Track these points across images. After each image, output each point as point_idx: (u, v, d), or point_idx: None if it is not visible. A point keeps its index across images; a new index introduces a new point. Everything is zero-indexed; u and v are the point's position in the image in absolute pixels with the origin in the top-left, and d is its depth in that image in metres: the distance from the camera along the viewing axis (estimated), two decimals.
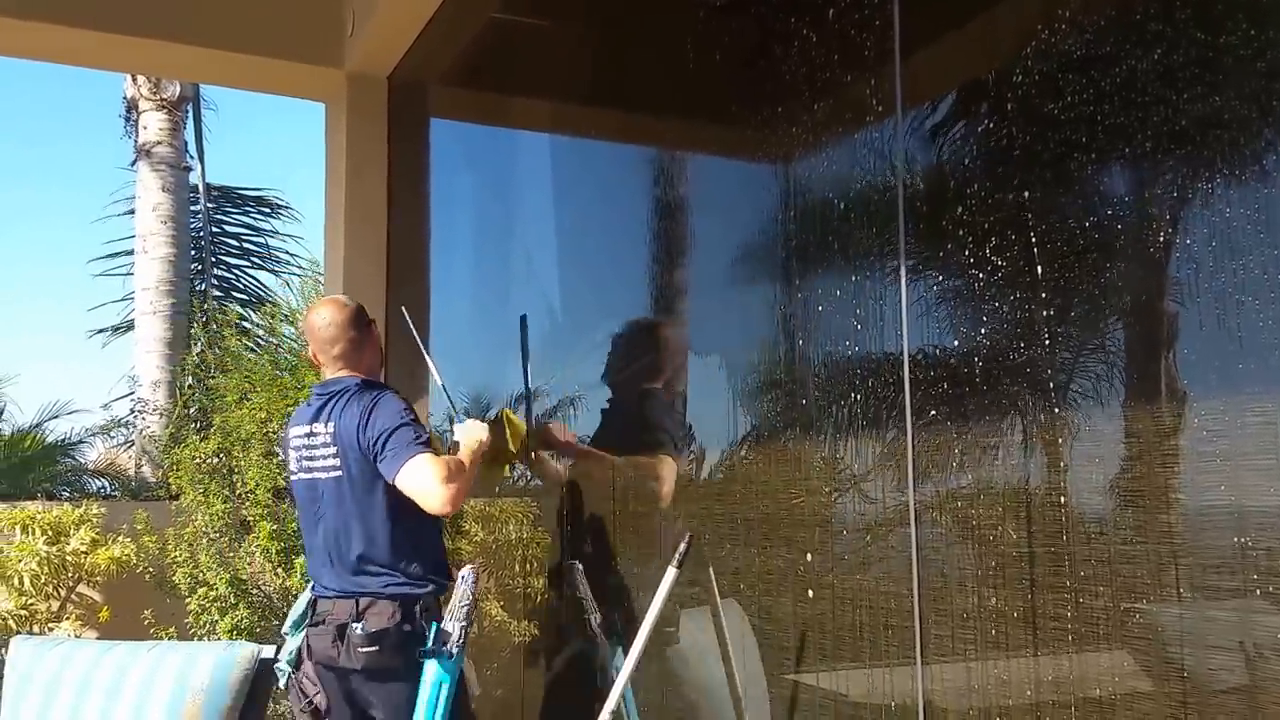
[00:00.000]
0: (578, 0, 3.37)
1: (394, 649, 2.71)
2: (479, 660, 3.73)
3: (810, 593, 2.17)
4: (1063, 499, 1.66)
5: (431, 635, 2.66)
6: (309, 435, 2.92)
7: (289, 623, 3.05)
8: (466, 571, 2.71)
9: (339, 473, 2.84)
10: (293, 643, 2.98)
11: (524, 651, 3.69)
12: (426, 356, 3.35)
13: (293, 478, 3.02)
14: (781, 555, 2.27)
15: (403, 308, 3.54)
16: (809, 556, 2.18)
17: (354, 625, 2.73)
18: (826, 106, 2.14)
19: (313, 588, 2.96)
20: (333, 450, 2.85)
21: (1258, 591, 1.38)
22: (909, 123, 1.95)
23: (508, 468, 3.44)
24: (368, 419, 2.80)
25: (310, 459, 2.91)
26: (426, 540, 2.87)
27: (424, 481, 2.68)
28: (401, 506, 2.76)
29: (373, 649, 2.70)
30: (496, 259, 4.02)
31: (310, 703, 2.88)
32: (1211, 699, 1.46)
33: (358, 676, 2.78)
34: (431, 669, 2.65)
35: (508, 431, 3.23)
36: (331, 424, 2.86)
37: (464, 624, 2.65)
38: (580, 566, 2.93)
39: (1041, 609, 1.67)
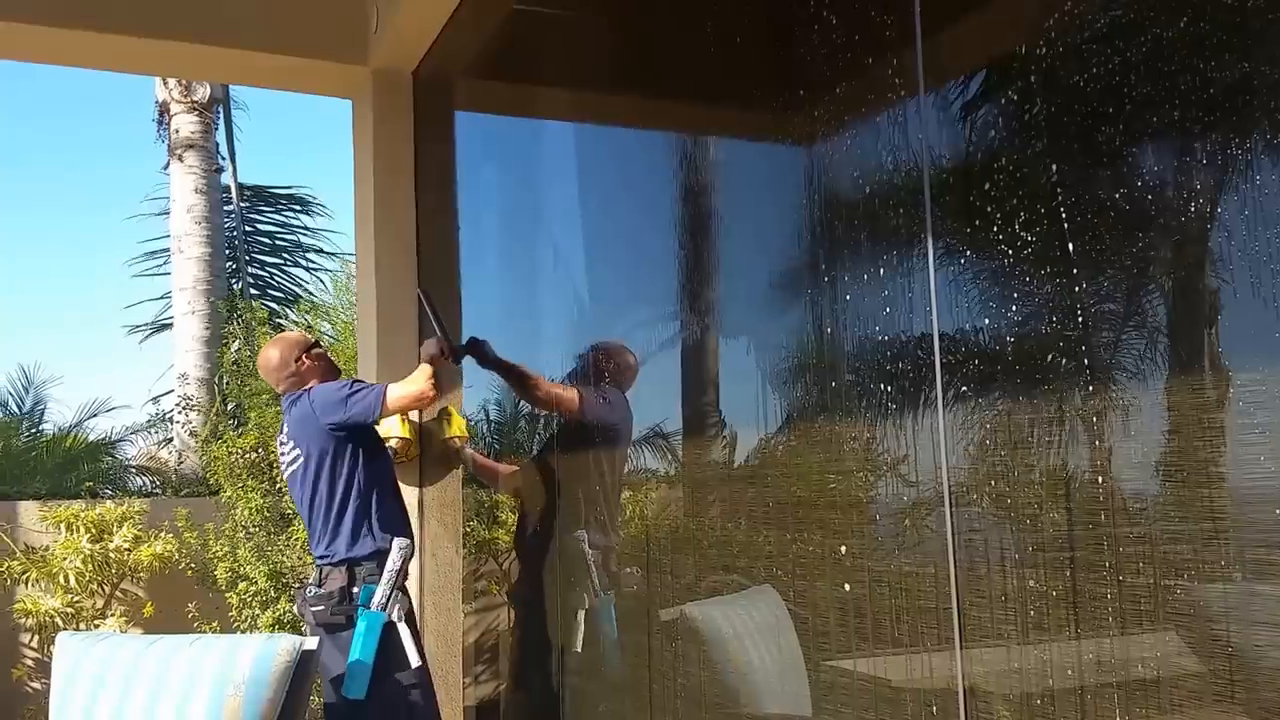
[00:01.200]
0: None
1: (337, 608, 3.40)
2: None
3: (845, 580, 2.15)
4: (1100, 477, 1.63)
5: (363, 594, 3.34)
6: (281, 439, 3.66)
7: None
8: (395, 544, 3.38)
9: (298, 465, 3.50)
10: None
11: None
12: (433, 321, 3.82)
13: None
14: (815, 540, 2.26)
15: (419, 290, 4.00)
16: (843, 542, 2.16)
17: (309, 586, 3.47)
18: (849, 87, 2.11)
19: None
20: (290, 445, 3.54)
21: None
22: (932, 101, 1.92)
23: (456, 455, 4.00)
24: (313, 407, 3.44)
25: (282, 459, 3.64)
26: (373, 512, 3.45)
27: (407, 391, 3.44)
28: (347, 480, 3.42)
29: (319, 607, 3.40)
30: (524, 249, 4.01)
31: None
32: (1258, 676, 1.43)
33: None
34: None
35: (447, 423, 3.92)
36: (286, 428, 3.58)
37: (388, 589, 3.33)
38: (585, 535, 3.32)
39: (1082, 589, 1.65)
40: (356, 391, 3.43)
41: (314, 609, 3.38)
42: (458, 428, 3.93)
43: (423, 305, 3.96)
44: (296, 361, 3.57)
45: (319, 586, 3.40)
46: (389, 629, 3.33)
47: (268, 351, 3.68)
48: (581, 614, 3.30)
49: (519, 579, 4.15)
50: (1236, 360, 1.47)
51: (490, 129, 4.48)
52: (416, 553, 4.09)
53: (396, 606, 3.34)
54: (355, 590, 3.35)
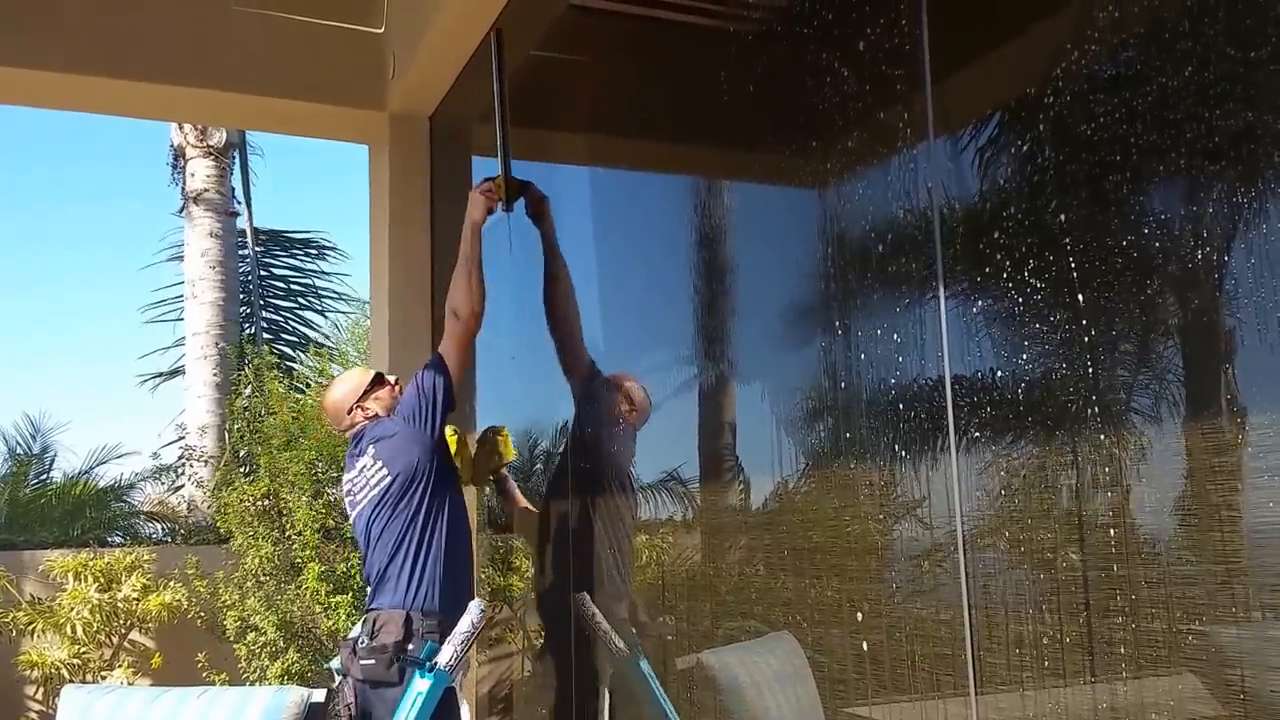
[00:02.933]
0: (613, 35, 3.44)
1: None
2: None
3: (861, 627, 2.19)
4: (1114, 520, 1.68)
5: (425, 650, 2.92)
6: (352, 476, 3.25)
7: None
8: (473, 605, 2.95)
9: (379, 486, 3.13)
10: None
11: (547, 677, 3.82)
12: (499, 145, 3.49)
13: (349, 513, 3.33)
14: (832, 585, 2.29)
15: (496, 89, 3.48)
16: (858, 586, 2.20)
17: (362, 639, 3.03)
18: (860, 135, 2.18)
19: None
20: (376, 465, 3.15)
21: None
22: (942, 148, 1.99)
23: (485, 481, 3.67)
24: (405, 419, 3.12)
25: (355, 492, 3.21)
26: (445, 561, 3.07)
27: (450, 339, 3.16)
28: (428, 515, 3.05)
29: (370, 662, 2.99)
30: (539, 294, 4.08)
31: None
32: None
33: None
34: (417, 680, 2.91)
35: (496, 447, 3.55)
36: (359, 461, 3.19)
37: (459, 648, 2.90)
38: (586, 597, 3.14)
39: (1097, 633, 1.68)
40: (424, 381, 3.15)
41: (364, 663, 2.99)
42: (508, 450, 3.58)
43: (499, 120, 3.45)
44: (351, 413, 3.35)
45: (371, 638, 3.00)
46: (449, 696, 2.99)
47: (329, 394, 3.51)
48: (604, 688, 3.05)
49: (541, 648, 3.86)
50: (1247, 404, 1.52)
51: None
52: None
53: (461, 674, 3.02)
54: (410, 646, 2.96)
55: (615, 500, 3.35)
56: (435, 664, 2.90)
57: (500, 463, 3.57)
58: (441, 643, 2.93)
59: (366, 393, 3.35)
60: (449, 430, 3.41)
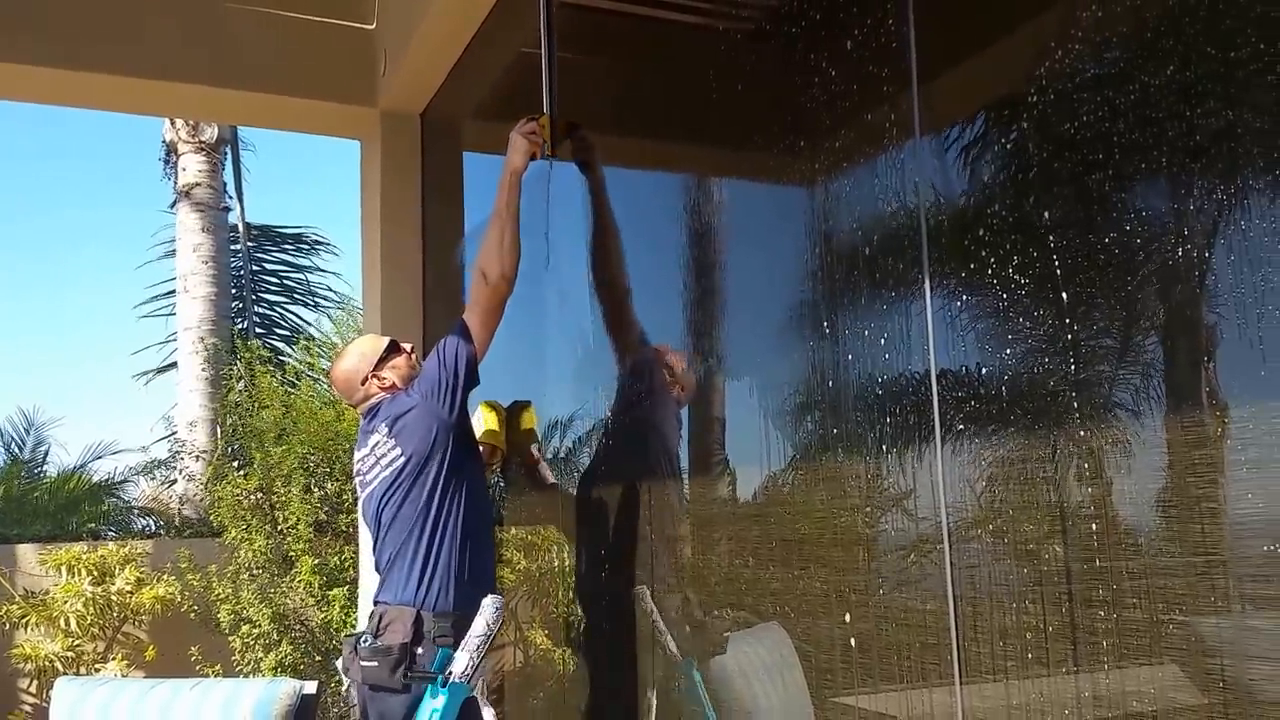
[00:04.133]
0: (603, 33, 3.45)
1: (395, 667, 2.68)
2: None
3: (847, 614, 2.20)
4: (1096, 512, 1.69)
5: (438, 660, 2.62)
6: (364, 454, 2.96)
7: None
8: (488, 601, 2.63)
9: (392, 468, 2.85)
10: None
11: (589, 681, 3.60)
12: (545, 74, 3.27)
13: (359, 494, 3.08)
14: (819, 576, 2.31)
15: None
16: (845, 577, 2.21)
17: (365, 637, 2.73)
18: (847, 133, 2.19)
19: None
20: (390, 445, 2.86)
21: None
22: (929, 146, 2.00)
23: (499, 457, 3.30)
24: (424, 393, 2.85)
25: (366, 471, 2.94)
26: (466, 554, 2.78)
27: (479, 302, 2.90)
28: (444, 500, 2.77)
29: (372, 664, 2.69)
30: (531, 288, 4.09)
31: None
32: (1253, 709, 1.48)
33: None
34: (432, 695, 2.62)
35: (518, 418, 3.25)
36: (373, 437, 2.90)
37: (475, 656, 2.58)
38: (648, 592, 2.84)
39: (1080, 623, 1.69)
40: (445, 352, 2.85)
41: (365, 664, 2.67)
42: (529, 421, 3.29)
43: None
44: (365, 383, 3.02)
45: (375, 636, 2.69)
46: (469, 707, 2.66)
47: (338, 364, 3.17)
48: (652, 693, 2.75)
49: (581, 643, 3.53)
50: (1227, 398, 1.53)
51: (497, 169, 4.56)
52: None
53: (481, 680, 2.67)
54: (419, 651, 2.65)
55: (664, 484, 3.05)
56: (450, 676, 2.58)
57: (528, 439, 3.25)
58: (456, 648, 2.61)
59: (382, 361, 3.03)
60: (486, 407, 3.18)
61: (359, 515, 3.13)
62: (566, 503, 3.49)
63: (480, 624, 2.61)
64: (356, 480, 3.02)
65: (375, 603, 2.81)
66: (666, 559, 2.95)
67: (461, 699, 2.61)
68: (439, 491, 2.76)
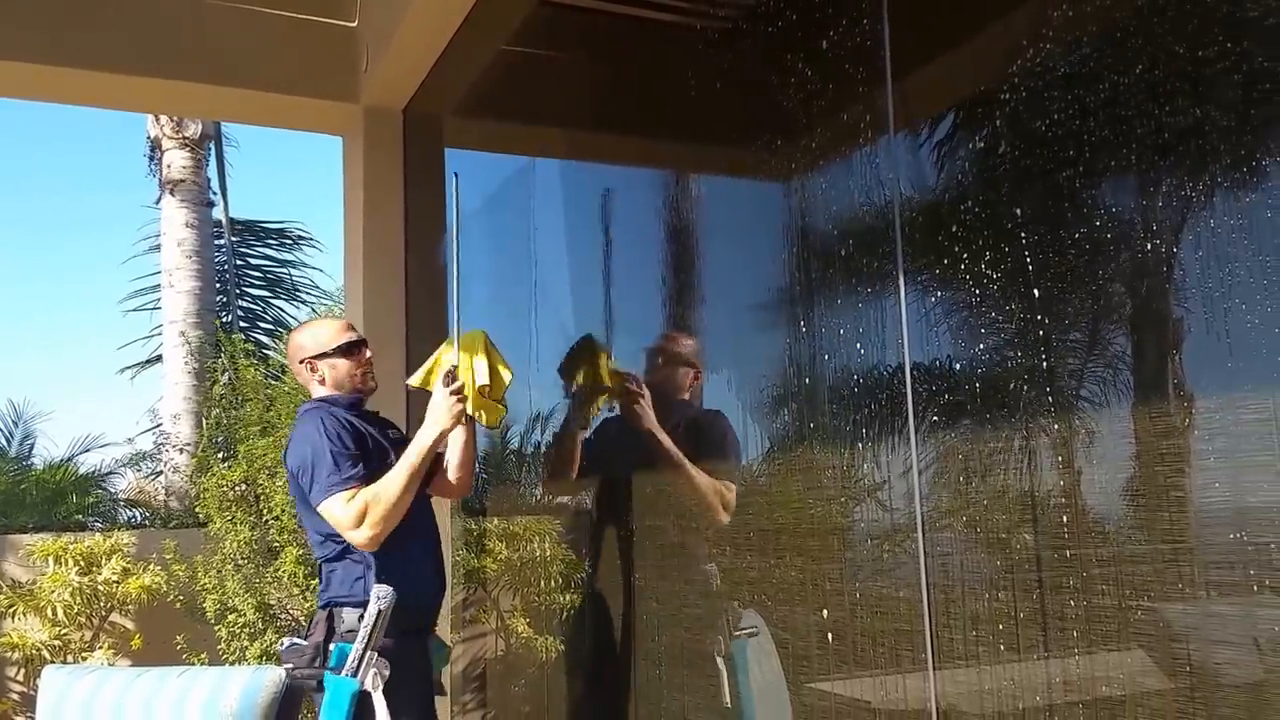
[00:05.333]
0: (582, 32, 3.43)
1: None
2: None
3: (823, 603, 2.20)
4: (1066, 501, 1.69)
5: (334, 656, 2.60)
6: None
7: None
8: (373, 592, 2.53)
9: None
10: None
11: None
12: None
13: None
14: (796, 565, 2.30)
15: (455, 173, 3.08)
16: (821, 566, 2.21)
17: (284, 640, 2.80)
18: (823, 130, 2.19)
19: None
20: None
21: (1254, 587, 1.41)
22: (903, 143, 2.00)
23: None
24: (289, 446, 2.80)
25: None
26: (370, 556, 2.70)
27: (338, 524, 2.64)
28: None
29: (289, 665, 2.72)
30: (511, 282, 4.07)
31: None
32: (1218, 693, 1.48)
33: None
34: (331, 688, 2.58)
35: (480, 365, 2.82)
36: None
37: (361, 648, 2.48)
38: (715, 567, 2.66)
39: (1050, 610, 1.70)
40: (318, 467, 2.65)
41: (286, 665, 2.73)
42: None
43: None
44: (302, 363, 2.87)
45: (305, 639, 2.72)
46: (362, 701, 2.52)
47: (294, 333, 3.06)
48: (720, 660, 2.57)
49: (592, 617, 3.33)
50: (1194, 389, 1.53)
51: (478, 164, 4.55)
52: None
53: (372, 672, 2.50)
54: (331, 648, 2.64)
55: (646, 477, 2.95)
56: (339, 672, 2.52)
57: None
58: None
59: (325, 355, 2.83)
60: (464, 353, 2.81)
61: None
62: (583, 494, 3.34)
63: (367, 617, 2.52)
64: None
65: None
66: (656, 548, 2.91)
67: (346, 694, 2.50)
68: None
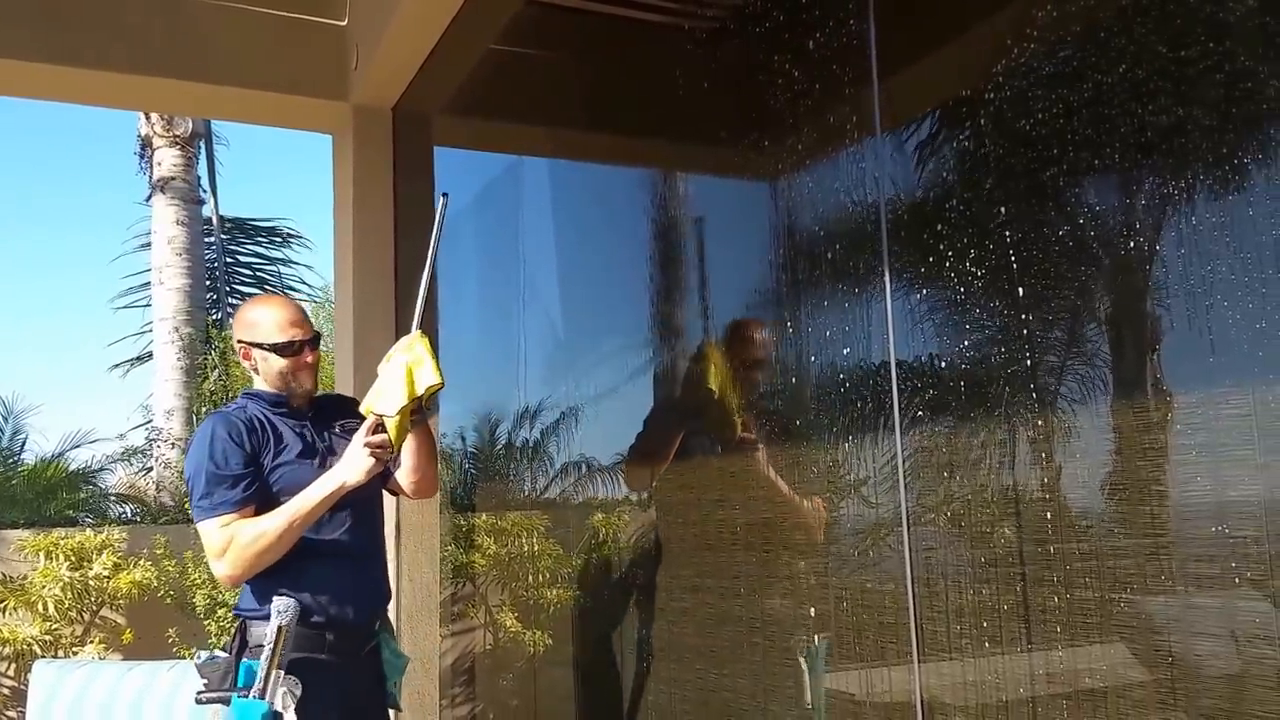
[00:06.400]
0: (570, 32, 3.42)
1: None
2: None
3: (810, 599, 2.19)
4: (1049, 496, 1.69)
5: (242, 673, 2.34)
6: None
7: None
8: (274, 605, 2.30)
9: None
10: None
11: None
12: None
13: None
14: (783, 559, 2.30)
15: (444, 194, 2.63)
16: (808, 560, 2.20)
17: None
18: (810, 130, 2.18)
19: None
20: None
21: (1236, 579, 1.41)
22: (889, 142, 1.99)
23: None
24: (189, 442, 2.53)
25: None
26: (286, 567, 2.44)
27: (207, 550, 2.44)
28: None
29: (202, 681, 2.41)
30: (500, 281, 4.06)
31: None
32: (1199, 684, 1.49)
33: None
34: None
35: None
36: None
37: (266, 666, 2.24)
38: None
39: (1033, 603, 1.70)
40: (194, 484, 2.44)
41: (202, 683, 2.40)
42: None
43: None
44: (240, 345, 2.62)
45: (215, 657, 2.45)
46: None
47: (242, 309, 2.75)
48: (803, 659, 2.34)
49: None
50: (1176, 385, 1.53)
51: (467, 163, 4.53)
52: (395, 577, 4.07)
53: (282, 691, 2.23)
54: (239, 663, 2.39)
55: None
56: (244, 693, 2.27)
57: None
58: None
59: (258, 345, 2.56)
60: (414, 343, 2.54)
61: None
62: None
63: (269, 633, 2.28)
64: None
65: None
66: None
67: (255, 717, 2.24)
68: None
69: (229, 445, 2.45)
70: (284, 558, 2.42)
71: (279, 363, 2.56)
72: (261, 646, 2.28)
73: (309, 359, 2.60)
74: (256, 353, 2.57)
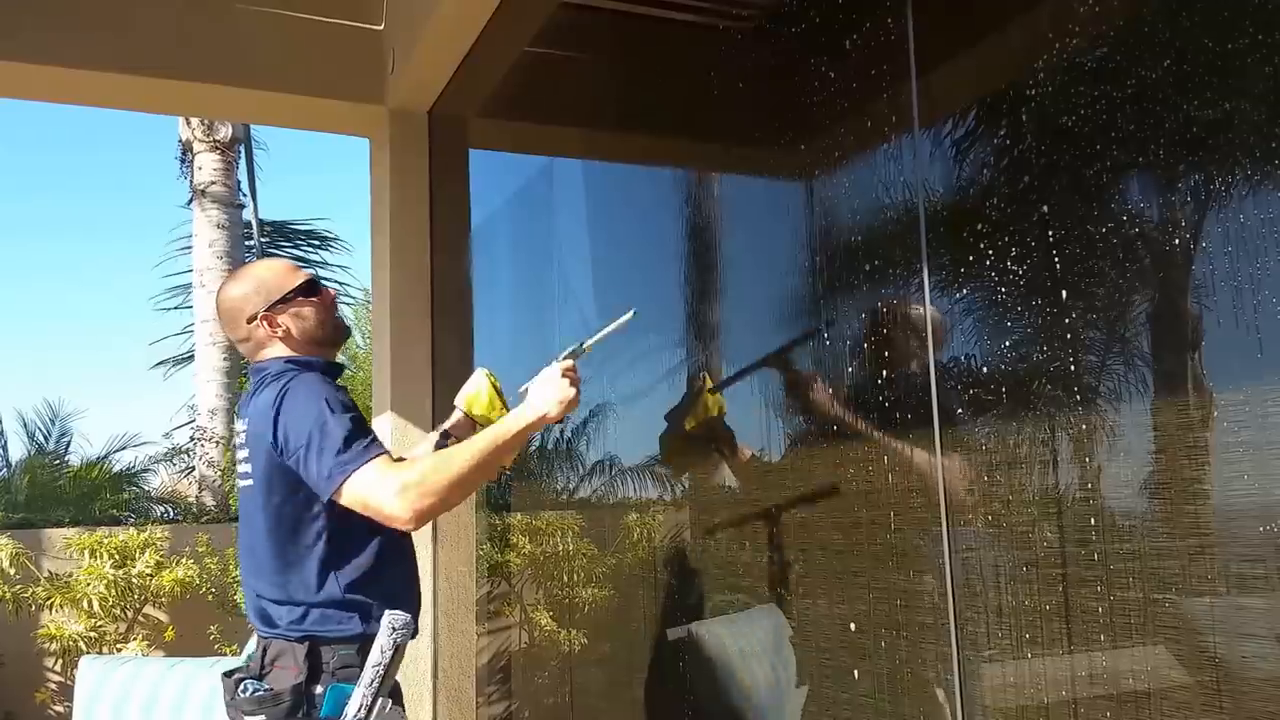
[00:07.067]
0: (605, 32, 3.41)
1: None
2: None
3: (845, 599, 2.17)
4: (1091, 496, 1.66)
5: (325, 700, 1.99)
6: (237, 436, 2.27)
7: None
8: (385, 619, 2.01)
9: (249, 481, 2.17)
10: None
11: None
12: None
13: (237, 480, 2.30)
14: (818, 559, 2.28)
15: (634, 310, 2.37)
16: (844, 560, 2.18)
17: (246, 683, 2.06)
18: (847, 127, 2.16)
19: None
20: (245, 453, 2.18)
21: None
22: (927, 139, 1.97)
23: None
24: (276, 415, 2.07)
25: (238, 464, 2.25)
26: (366, 572, 2.12)
27: (370, 496, 2.02)
28: (330, 526, 2.10)
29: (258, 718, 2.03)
30: (535, 282, 4.06)
31: None
32: (1244, 687, 1.45)
33: None
34: None
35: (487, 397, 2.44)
36: (245, 419, 2.19)
37: (368, 691, 1.94)
38: None
39: (1074, 604, 1.67)
40: (329, 438, 2.03)
41: (251, 718, 2.04)
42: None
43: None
44: (251, 322, 2.22)
45: (258, 680, 2.07)
46: None
47: (221, 292, 2.31)
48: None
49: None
50: (1221, 382, 1.50)
51: (503, 165, 4.54)
52: (431, 577, 4.09)
53: (387, 708, 1.97)
54: (319, 691, 2.01)
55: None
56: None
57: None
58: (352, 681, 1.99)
59: (285, 301, 2.22)
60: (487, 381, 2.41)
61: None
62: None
63: (375, 651, 1.98)
64: (236, 452, 2.29)
65: (259, 634, 2.16)
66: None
67: None
68: (306, 517, 2.11)
69: (336, 392, 2.14)
70: (362, 559, 2.10)
71: (314, 310, 2.26)
72: (348, 669, 2.00)
73: (334, 293, 2.35)
74: (287, 311, 2.23)
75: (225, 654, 5.19)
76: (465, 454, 2.09)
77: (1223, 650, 1.48)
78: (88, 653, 5.10)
